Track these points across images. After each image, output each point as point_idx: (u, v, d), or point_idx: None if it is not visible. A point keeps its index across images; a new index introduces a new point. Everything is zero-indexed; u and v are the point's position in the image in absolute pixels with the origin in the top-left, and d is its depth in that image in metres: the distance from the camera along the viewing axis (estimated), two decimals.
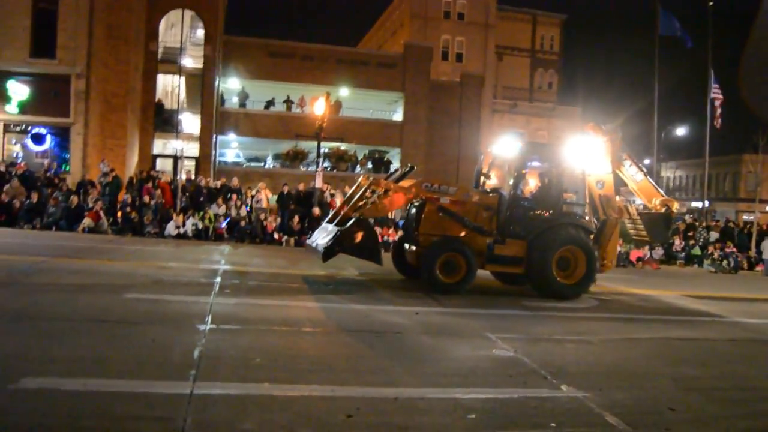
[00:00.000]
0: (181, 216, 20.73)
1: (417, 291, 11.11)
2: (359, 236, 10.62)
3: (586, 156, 12.56)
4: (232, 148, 37.63)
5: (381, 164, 35.19)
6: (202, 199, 22.39)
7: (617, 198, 12.97)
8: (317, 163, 27.56)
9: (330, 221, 11.67)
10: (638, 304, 12.05)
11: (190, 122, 32.44)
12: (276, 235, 21.00)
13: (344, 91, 34.91)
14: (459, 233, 11.53)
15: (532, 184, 12.59)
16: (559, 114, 42.87)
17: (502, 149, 12.74)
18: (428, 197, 11.59)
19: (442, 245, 11.16)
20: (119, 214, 21.12)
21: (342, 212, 11.46)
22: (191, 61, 31.95)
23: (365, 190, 11.56)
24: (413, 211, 11.95)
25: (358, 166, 34.55)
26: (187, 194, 22.53)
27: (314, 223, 21.64)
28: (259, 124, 33.82)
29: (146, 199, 21.15)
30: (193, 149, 31.36)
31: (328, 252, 10.68)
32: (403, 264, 12.61)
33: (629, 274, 19.98)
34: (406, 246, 12.13)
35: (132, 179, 24.00)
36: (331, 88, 31.48)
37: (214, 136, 32.41)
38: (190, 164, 30.53)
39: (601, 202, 12.80)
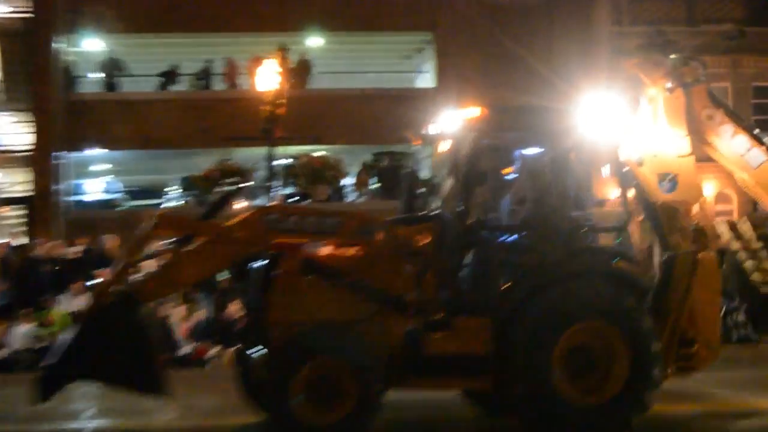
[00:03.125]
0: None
1: None
2: (108, 346, 10.78)
3: (627, 126, 13.17)
4: (97, 175, 37.76)
5: (395, 179, 33.97)
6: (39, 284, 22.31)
7: (704, 199, 13.50)
8: (269, 190, 28.14)
9: None
10: None
11: (9, 128, 32.48)
12: (189, 347, 21.03)
13: (316, 40, 35.21)
14: (352, 315, 11.51)
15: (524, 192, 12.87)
16: (755, 44, 40.95)
17: (448, 126, 12.71)
18: (281, 244, 11.63)
19: (306, 345, 11.24)
20: None
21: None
22: (2, 9, 32.09)
23: (142, 241, 11.80)
24: (257, 275, 12.15)
25: (351, 187, 34.60)
26: (11, 276, 22.48)
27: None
28: (150, 121, 33.51)
29: None
30: (17, 185, 31.73)
31: (46, 384, 10.85)
32: (252, 383, 12.59)
33: None
34: (253, 350, 12.12)
35: None
36: (289, 37, 31.72)
37: (60, 154, 32.56)
38: (13, 216, 30.71)
39: (667, 218, 12.98)
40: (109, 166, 37.02)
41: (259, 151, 29.56)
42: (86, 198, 36.09)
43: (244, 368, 12.88)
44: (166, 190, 37.86)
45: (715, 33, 35.93)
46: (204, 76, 35.02)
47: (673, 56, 14.16)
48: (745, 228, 15.11)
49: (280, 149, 29.32)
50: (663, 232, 12.88)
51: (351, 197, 34.40)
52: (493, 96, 32.65)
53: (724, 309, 20.40)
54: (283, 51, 28.47)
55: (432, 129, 13.27)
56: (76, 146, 33.38)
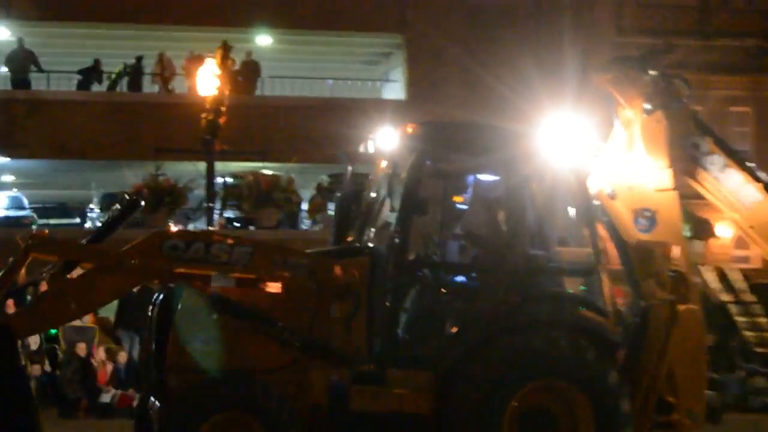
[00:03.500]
0: None
1: None
2: None
3: (599, 153, 13.07)
4: (1, 188, 36.12)
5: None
6: None
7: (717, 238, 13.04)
8: (207, 212, 27.62)
9: None
10: None
11: None
12: (110, 394, 21.02)
13: (265, 39, 34.12)
14: (265, 362, 11.24)
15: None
16: None
17: (385, 144, 12.60)
18: (182, 275, 11.32)
19: (209, 397, 10.93)
20: None
21: None
22: None
23: (13, 268, 11.30)
24: (155, 313, 12.03)
25: (303, 213, 33.72)
26: None
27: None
28: (67, 126, 31.82)
29: None
30: None
31: None
32: None
33: None
34: (152, 400, 11.97)
35: None
36: (235, 33, 30.48)
37: None
38: None
39: (641, 261, 12.82)
40: (14, 177, 35.68)
41: (197, 167, 28.42)
42: None
43: (142, 421, 12.61)
44: (86, 208, 36.77)
45: (733, 48, 35.67)
46: (133, 74, 33.39)
47: (652, 72, 13.71)
48: (736, 277, 15.41)
49: (222, 165, 28.34)
50: (635, 278, 12.68)
51: (304, 225, 33.68)
52: (472, 112, 31.67)
53: (746, 373, 20.30)
54: (226, 49, 27.07)
55: (368, 147, 12.92)
56: None
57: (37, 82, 32.91)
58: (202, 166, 27.43)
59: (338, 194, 13.91)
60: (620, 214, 12.89)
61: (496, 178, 12.55)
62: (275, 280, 11.55)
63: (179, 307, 11.29)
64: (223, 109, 25.76)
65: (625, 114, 13.42)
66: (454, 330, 11.54)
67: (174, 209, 29.97)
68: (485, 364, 11.23)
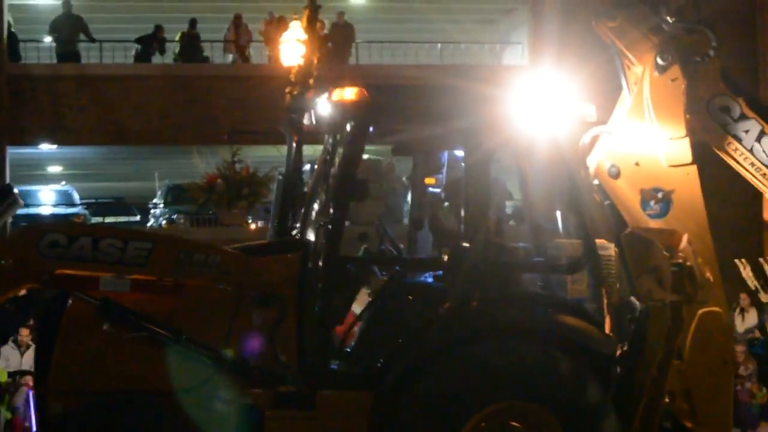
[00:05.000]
0: None
1: None
2: None
3: (597, 121, 12.86)
4: (47, 180, 35.86)
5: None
6: None
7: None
8: (303, 213, 26.45)
9: None
10: None
11: None
12: None
13: None
14: (167, 383, 10.82)
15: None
16: None
17: (323, 114, 12.51)
18: (66, 277, 11.11)
19: (94, 425, 10.67)
20: None
21: None
22: None
23: None
24: (39, 324, 12.81)
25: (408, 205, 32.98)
26: None
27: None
28: (123, 106, 31.51)
29: None
30: None
31: None
32: None
33: None
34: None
35: None
36: None
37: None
38: None
39: (635, 254, 12.50)
40: (63, 168, 35.53)
41: (281, 152, 26.03)
42: (31, 212, 33.51)
43: None
44: (148, 203, 36.45)
45: None
46: (185, 43, 32.83)
47: (670, 19, 13.48)
48: None
49: (310, 149, 25.78)
50: (630, 274, 12.33)
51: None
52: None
53: None
54: (313, 9, 24.54)
55: (309, 117, 12.90)
56: (18, 139, 31.35)
57: (88, 54, 32.62)
58: (286, 150, 25.76)
59: (280, 176, 13.68)
60: (625, 195, 12.94)
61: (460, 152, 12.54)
62: (180, 282, 11.29)
63: (63, 317, 11.04)
64: (311, 81, 22.91)
65: (634, 71, 13.20)
66: (399, 340, 11.24)
67: (254, 203, 29.86)
68: (435, 381, 10.95)
